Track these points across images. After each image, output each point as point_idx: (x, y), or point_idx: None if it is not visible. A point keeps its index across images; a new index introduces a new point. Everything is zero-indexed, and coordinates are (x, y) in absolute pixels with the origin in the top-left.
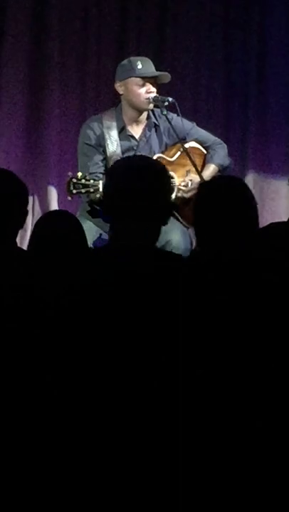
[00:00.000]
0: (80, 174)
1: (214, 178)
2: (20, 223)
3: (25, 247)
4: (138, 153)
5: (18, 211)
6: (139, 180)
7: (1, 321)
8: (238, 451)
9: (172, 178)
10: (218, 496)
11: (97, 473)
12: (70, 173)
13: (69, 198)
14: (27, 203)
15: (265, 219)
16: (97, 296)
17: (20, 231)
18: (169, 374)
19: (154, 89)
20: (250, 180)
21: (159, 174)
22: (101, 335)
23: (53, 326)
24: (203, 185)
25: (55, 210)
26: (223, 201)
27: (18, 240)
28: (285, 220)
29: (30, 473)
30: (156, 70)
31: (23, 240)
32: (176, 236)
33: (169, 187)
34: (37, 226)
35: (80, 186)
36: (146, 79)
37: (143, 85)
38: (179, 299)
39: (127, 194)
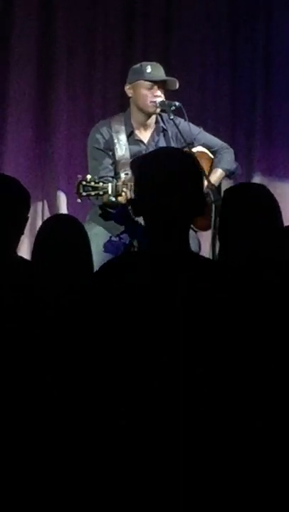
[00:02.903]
0: (89, 177)
1: (240, 185)
2: (21, 230)
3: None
4: None
5: (19, 217)
6: None
7: (1, 321)
8: (238, 451)
9: None
10: (218, 496)
11: (97, 473)
12: (79, 176)
13: (78, 201)
14: (28, 209)
15: None
16: (97, 296)
17: (29, 236)
18: (170, 373)
19: (160, 94)
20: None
21: None
22: (101, 334)
23: (53, 326)
24: (228, 191)
25: (58, 214)
26: (250, 208)
27: (27, 245)
28: None
29: (30, 472)
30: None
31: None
32: None
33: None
34: (41, 230)
35: (90, 189)
36: (154, 83)
37: (150, 89)
38: (179, 299)
39: None
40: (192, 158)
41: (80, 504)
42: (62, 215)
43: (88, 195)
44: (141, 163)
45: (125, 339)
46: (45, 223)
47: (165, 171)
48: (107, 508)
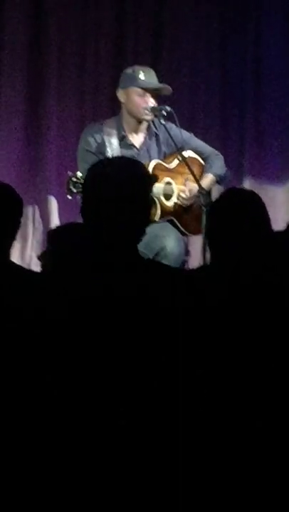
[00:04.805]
0: (79, 174)
1: (227, 191)
2: (14, 235)
3: (26, 256)
4: None
5: (12, 223)
6: None
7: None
8: (238, 451)
9: (170, 184)
10: (218, 496)
11: (97, 473)
12: (69, 173)
13: (69, 197)
14: (21, 215)
15: None
16: (98, 297)
17: (20, 241)
18: (169, 374)
19: (153, 101)
20: (246, 187)
21: None
22: (102, 334)
23: (54, 327)
24: (217, 199)
25: (71, 223)
26: (239, 214)
27: (19, 250)
28: (282, 226)
29: (29, 472)
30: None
31: (24, 249)
32: (170, 242)
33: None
34: (52, 238)
35: (80, 186)
36: (147, 90)
37: (143, 96)
38: (179, 302)
39: None
40: (137, 172)
41: (80, 504)
42: (75, 223)
43: (78, 192)
44: (86, 175)
45: (125, 339)
46: (56, 231)
47: (110, 184)
48: (106, 508)
